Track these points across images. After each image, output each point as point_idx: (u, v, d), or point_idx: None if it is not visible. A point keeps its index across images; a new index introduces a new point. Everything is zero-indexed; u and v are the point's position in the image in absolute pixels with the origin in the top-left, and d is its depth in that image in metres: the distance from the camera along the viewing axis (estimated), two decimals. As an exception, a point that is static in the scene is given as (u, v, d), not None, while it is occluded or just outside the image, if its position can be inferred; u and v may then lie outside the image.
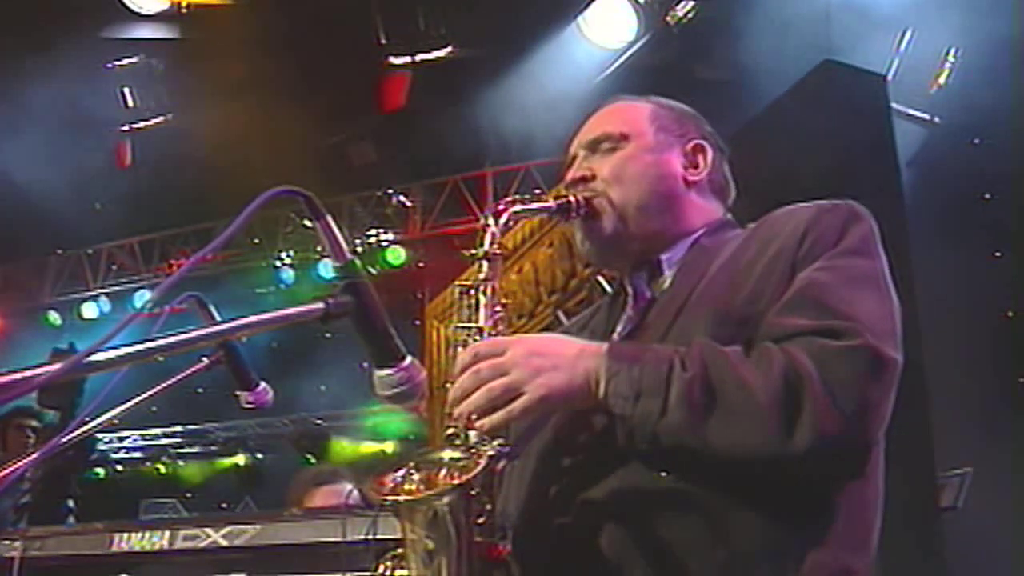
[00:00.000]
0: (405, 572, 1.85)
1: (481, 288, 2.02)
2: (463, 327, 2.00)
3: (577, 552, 1.88)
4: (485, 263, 2.05)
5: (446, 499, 1.75)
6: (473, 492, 1.78)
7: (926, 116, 7.69)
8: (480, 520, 1.80)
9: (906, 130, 7.31)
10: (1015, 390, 6.82)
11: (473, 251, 2.07)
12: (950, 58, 7.61)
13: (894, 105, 6.51)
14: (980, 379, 6.45)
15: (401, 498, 1.79)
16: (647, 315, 2.10)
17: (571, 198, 2.16)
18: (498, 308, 2.02)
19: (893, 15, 7.45)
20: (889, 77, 7.11)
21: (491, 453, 1.80)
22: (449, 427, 1.89)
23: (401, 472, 1.84)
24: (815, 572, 1.78)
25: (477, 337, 1.98)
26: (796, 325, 1.81)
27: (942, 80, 7.67)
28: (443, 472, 1.83)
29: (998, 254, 7.47)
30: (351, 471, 4.94)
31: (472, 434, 1.84)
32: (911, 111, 7.60)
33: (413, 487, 1.82)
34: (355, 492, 3.81)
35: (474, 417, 1.82)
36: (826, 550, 1.80)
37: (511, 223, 2.15)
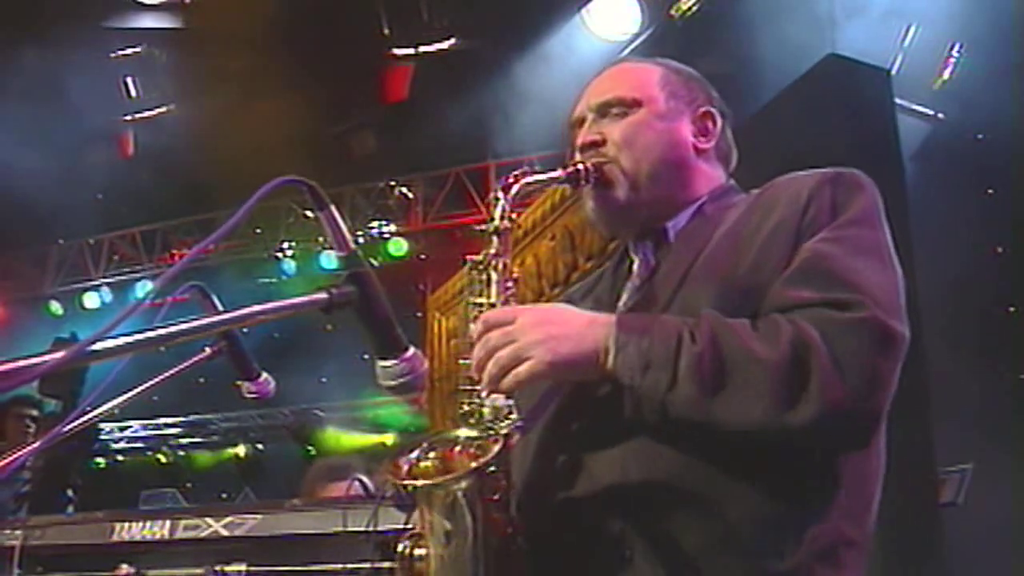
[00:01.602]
0: (424, 551, 1.85)
1: (492, 264, 2.01)
2: (475, 303, 1.99)
3: (580, 524, 1.89)
4: (495, 238, 2.02)
5: (464, 483, 1.77)
6: (491, 470, 1.79)
7: (930, 111, 7.69)
8: (495, 497, 1.81)
9: (910, 125, 7.31)
10: (1016, 386, 6.82)
11: (484, 226, 2.04)
12: (954, 53, 7.61)
13: (898, 100, 6.50)
14: (981, 375, 6.44)
15: (419, 483, 1.80)
16: (651, 283, 2.09)
17: (581, 166, 2.13)
18: (509, 284, 2.00)
19: (897, 10, 7.45)
20: (893, 72, 7.10)
21: (505, 432, 1.81)
22: (463, 404, 1.90)
23: (416, 452, 1.86)
24: (816, 543, 1.79)
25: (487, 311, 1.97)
26: (802, 297, 1.81)
27: (946, 75, 7.66)
28: (458, 450, 1.85)
29: (1000, 249, 7.47)
30: (364, 463, 4.94)
31: (486, 411, 1.86)
32: (915, 106, 7.60)
33: (429, 466, 1.84)
34: (356, 483, 3.81)
35: (484, 389, 1.84)
36: (828, 521, 1.81)
37: (522, 196, 2.11)
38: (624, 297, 2.16)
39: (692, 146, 2.21)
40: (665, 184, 2.15)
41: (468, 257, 2.04)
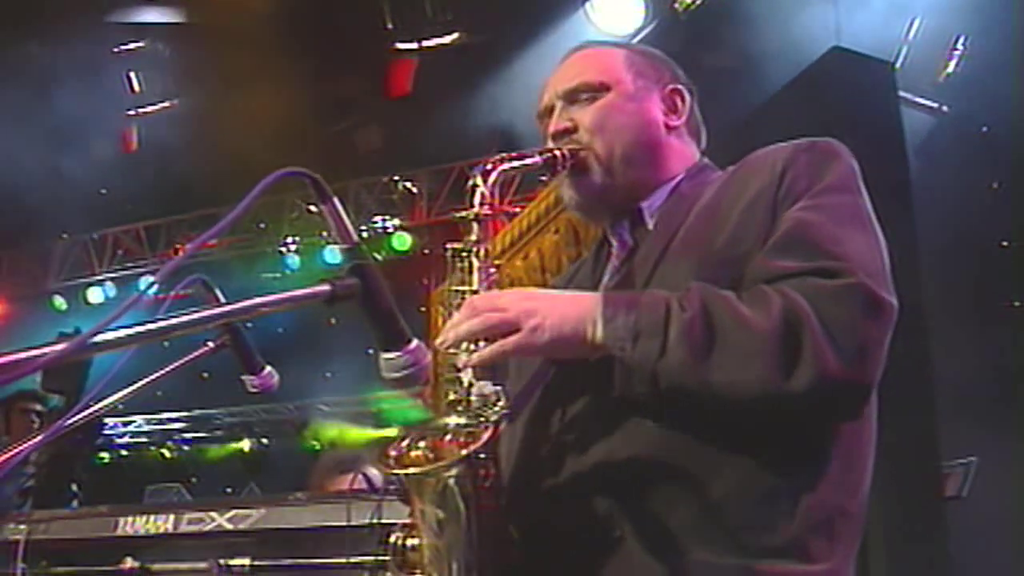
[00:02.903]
0: (416, 541, 1.86)
1: (473, 251, 2.00)
2: (457, 290, 1.99)
3: (570, 507, 1.88)
4: (475, 224, 2.02)
5: (454, 471, 1.76)
6: (481, 457, 1.79)
7: (934, 104, 7.68)
8: (487, 484, 1.81)
9: (914, 118, 7.30)
10: (1021, 381, 6.82)
11: (463, 213, 2.03)
12: (958, 46, 7.59)
13: (902, 93, 6.50)
14: (986, 369, 6.44)
15: (409, 471, 1.80)
16: (631, 263, 2.10)
17: (556, 152, 2.13)
18: (492, 270, 2.00)
19: (901, 2, 7.43)
20: (897, 65, 7.10)
21: (494, 419, 1.80)
22: (449, 393, 1.90)
23: (406, 441, 1.86)
24: (809, 513, 1.79)
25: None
26: (788, 267, 1.81)
27: (950, 68, 7.65)
28: (448, 438, 1.85)
29: (1005, 243, 7.46)
30: (372, 456, 4.93)
31: (474, 399, 1.85)
32: (919, 99, 7.60)
33: (419, 455, 1.84)
34: (360, 477, 3.81)
35: (467, 349, 1.85)
36: (821, 493, 1.81)
37: (500, 183, 2.10)
38: (605, 279, 2.17)
39: (663, 124, 2.21)
40: (640, 165, 2.16)
41: (448, 246, 2.04)
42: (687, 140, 2.26)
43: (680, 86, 2.27)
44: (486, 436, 1.76)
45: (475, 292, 1.97)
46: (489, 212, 2.02)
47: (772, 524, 1.77)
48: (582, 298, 1.87)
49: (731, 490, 1.78)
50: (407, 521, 1.90)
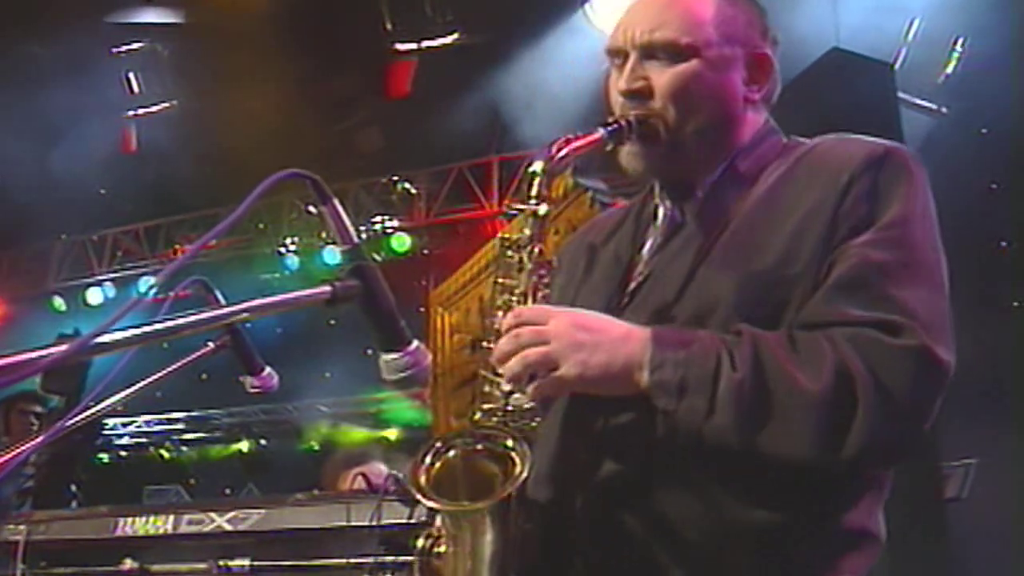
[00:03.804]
0: (443, 549, 1.83)
1: (527, 248, 1.87)
2: (502, 283, 1.88)
3: (597, 531, 1.83)
4: (532, 220, 1.87)
5: (488, 510, 1.73)
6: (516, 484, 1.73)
7: (933, 105, 7.67)
8: (519, 509, 1.76)
9: (913, 119, 7.29)
10: (1021, 382, 6.82)
11: (520, 205, 1.89)
12: (957, 47, 7.59)
13: (901, 94, 6.49)
14: (985, 370, 6.44)
15: (442, 507, 1.77)
16: (670, 248, 1.97)
17: (623, 122, 1.92)
18: (543, 272, 1.88)
19: (901, 4, 7.43)
20: (897, 66, 7.09)
21: (523, 430, 1.77)
22: (484, 394, 1.84)
23: (429, 456, 1.81)
24: (838, 540, 1.78)
25: (517, 300, 1.86)
26: (847, 315, 1.70)
27: (949, 69, 7.65)
28: (479, 449, 1.80)
29: (1004, 244, 7.46)
30: (382, 451, 4.94)
31: (511, 408, 1.80)
32: (918, 100, 7.59)
33: (445, 464, 1.80)
34: (359, 478, 3.81)
35: (505, 383, 1.78)
36: (851, 519, 1.79)
37: (564, 167, 1.93)
38: (644, 252, 2.03)
39: (743, 97, 2.01)
40: (709, 142, 1.97)
41: (502, 234, 1.92)
42: (760, 108, 2.06)
43: (768, 51, 2.03)
44: (519, 480, 1.71)
45: (523, 295, 1.86)
46: (547, 210, 1.87)
47: (803, 550, 1.76)
48: (631, 336, 1.75)
49: (761, 514, 1.74)
50: (436, 531, 1.87)
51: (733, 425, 1.67)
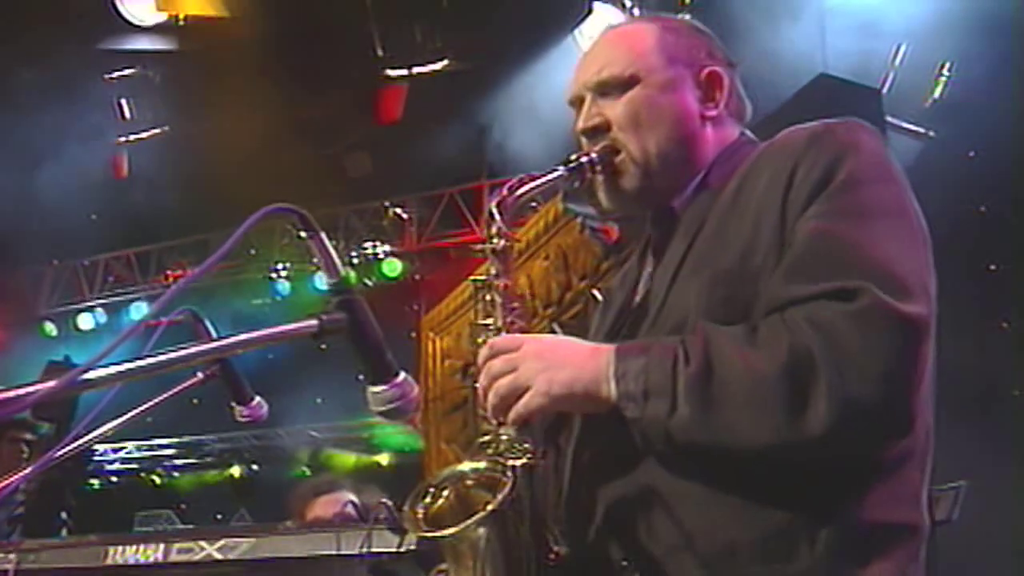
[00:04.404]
0: None
1: (494, 285, 1.95)
2: (481, 325, 1.96)
3: (590, 549, 1.86)
4: (494, 257, 1.96)
5: (481, 529, 1.75)
6: (510, 502, 1.76)
7: (921, 129, 7.70)
8: (519, 530, 1.79)
9: (901, 143, 7.32)
10: (1011, 403, 6.83)
11: (482, 246, 1.98)
12: (944, 72, 7.63)
13: (889, 118, 6.53)
14: (976, 391, 6.45)
15: (440, 534, 1.79)
16: (663, 260, 2.01)
17: (584, 159, 2.01)
18: (515, 304, 1.95)
19: (888, 29, 7.47)
20: (884, 91, 7.13)
21: (519, 462, 1.80)
22: (483, 433, 1.89)
23: (427, 496, 1.85)
24: (854, 534, 1.71)
25: (493, 335, 1.93)
26: (800, 293, 1.70)
27: (937, 93, 7.69)
28: (470, 483, 1.85)
29: (994, 266, 7.48)
30: (350, 481, 4.95)
31: (503, 439, 1.83)
32: (906, 124, 7.61)
33: (444, 505, 1.84)
34: (349, 505, 3.81)
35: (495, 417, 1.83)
36: (866, 510, 1.73)
37: (522, 207, 2.03)
38: (640, 285, 2.10)
39: (699, 115, 2.06)
40: (675, 163, 2.03)
41: (472, 277, 2.01)
42: (726, 123, 2.11)
43: (717, 68, 2.10)
44: (508, 488, 1.75)
45: (499, 329, 1.93)
46: (508, 244, 1.96)
47: (792, 552, 1.70)
48: (597, 353, 1.79)
49: (750, 523, 1.72)
50: (443, 568, 1.88)
51: (693, 417, 1.68)
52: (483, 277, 1.97)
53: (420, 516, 1.82)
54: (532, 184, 1.98)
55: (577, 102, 2.12)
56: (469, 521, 1.76)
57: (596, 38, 2.20)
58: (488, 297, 1.96)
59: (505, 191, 1.98)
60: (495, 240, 1.96)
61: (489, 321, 1.95)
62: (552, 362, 1.79)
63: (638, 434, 1.75)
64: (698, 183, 2.05)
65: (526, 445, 1.82)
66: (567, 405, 1.83)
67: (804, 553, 1.70)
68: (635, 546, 1.81)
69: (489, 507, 1.75)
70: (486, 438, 1.88)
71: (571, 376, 1.77)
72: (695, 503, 1.76)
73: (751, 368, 1.67)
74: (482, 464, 1.85)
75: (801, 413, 1.62)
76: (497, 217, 1.97)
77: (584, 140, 2.08)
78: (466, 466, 1.87)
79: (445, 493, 1.85)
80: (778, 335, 1.67)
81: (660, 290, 1.94)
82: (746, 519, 1.73)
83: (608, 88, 2.06)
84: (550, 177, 2.01)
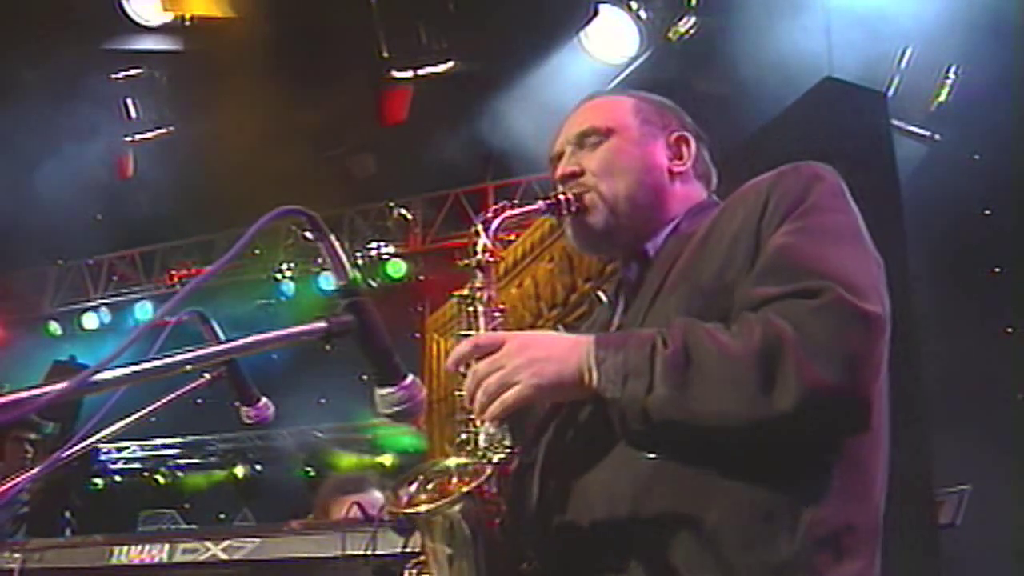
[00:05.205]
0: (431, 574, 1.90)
1: (478, 297, 2.08)
2: (464, 335, 2.05)
3: (578, 549, 1.91)
4: (479, 271, 2.10)
5: (458, 507, 1.82)
6: (487, 493, 1.85)
7: (926, 133, 7.70)
8: (496, 521, 1.86)
9: (907, 146, 7.33)
10: (1015, 407, 6.83)
11: (467, 261, 2.12)
12: (950, 75, 7.63)
13: (894, 122, 6.53)
14: (980, 395, 6.45)
15: (416, 510, 1.86)
16: (634, 301, 2.17)
17: (560, 196, 2.22)
18: (496, 315, 2.08)
19: (893, 32, 7.47)
20: (889, 94, 7.13)
21: (498, 457, 1.90)
22: (461, 433, 1.97)
23: (414, 485, 1.92)
24: (811, 529, 1.79)
25: None
26: (770, 292, 1.84)
27: (942, 97, 7.68)
28: (454, 480, 1.92)
29: (998, 269, 7.48)
30: (378, 478, 4.93)
31: (482, 439, 1.93)
32: (911, 128, 7.62)
33: (426, 497, 1.90)
34: (355, 507, 3.81)
35: (477, 417, 1.91)
36: (822, 507, 1.81)
37: (504, 230, 2.19)
38: (615, 319, 2.24)
39: (667, 170, 2.29)
40: (643, 207, 2.24)
41: (454, 292, 2.14)
42: (693, 184, 2.34)
43: (686, 133, 2.35)
44: (484, 475, 1.83)
45: None
46: (492, 260, 2.11)
47: (772, 541, 1.78)
48: (578, 343, 1.90)
49: (729, 512, 1.80)
50: (420, 559, 1.96)
51: (670, 393, 1.78)
52: (466, 291, 2.10)
53: (402, 503, 1.90)
54: (512, 213, 2.18)
55: (558, 158, 2.35)
56: (443, 500, 1.84)
57: (579, 105, 2.42)
58: (471, 309, 2.09)
59: (492, 212, 2.16)
60: (481, 255, 2.11)
61: (471, 333, 2.06)
62: (536, 355, 1.87)
63: (616, 415, 1.84)
64: (670, 231, 2.25)
65: (506, 442, 1.91)
66: (553, 395, 1.93)
67: (785, 542, 1.78)
68: (621, 546, 1.87)
69: (464, 489, 1.84)
70: (464, 437, 1.97)
71: (556, 367, 1.86)
72: (679, 493, 1.84)
73: (726, 352, 1.78)
74: (465, 460, 1.93)
75: (771, 390, 1.73)
76: (483, 235, 2.12)
77: (560, 187, 2.27)
78: (452, 462, 1.94)
79: (430, 486, 1.93)
80: (751, 326, 1.80)
81: (640, 311, 2.08)
82: (730, 505, 1.80)
83: (586, 139, 2.30)
84: (527, 208, 2.22)
